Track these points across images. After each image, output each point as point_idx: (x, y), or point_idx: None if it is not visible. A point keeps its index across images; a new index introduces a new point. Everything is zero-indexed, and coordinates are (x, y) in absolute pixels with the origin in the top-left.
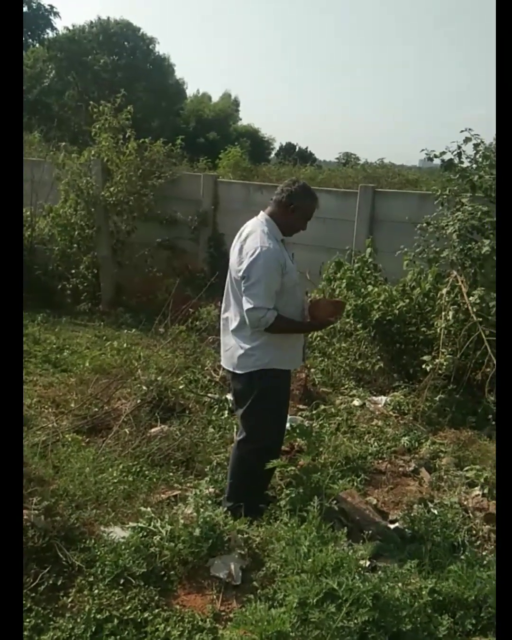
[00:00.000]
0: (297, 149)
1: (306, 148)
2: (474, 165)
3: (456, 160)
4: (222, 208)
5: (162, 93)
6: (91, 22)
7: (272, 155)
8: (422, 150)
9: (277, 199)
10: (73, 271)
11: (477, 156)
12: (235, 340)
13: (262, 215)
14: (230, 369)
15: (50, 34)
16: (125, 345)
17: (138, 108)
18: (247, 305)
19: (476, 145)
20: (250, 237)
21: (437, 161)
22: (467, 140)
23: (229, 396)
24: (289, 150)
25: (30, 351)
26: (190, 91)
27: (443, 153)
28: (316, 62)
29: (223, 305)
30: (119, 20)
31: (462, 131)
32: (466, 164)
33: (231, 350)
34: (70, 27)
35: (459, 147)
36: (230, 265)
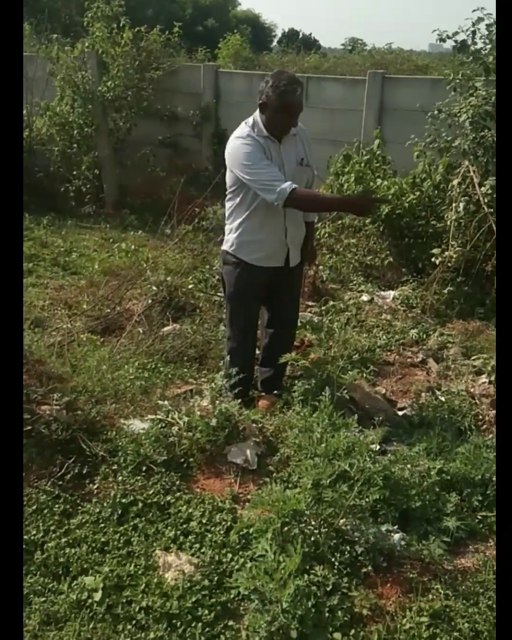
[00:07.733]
0: (300, 36)
1: (310, 34)
2: (488, 46)
3: (469, 42)
4: (224, 101)
5: None
6: None
7: (274, 43)
8: (434, 30)
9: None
10: (75, 172)
11: (491, 36)
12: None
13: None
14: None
15: None
16: (132, 246)
17: None
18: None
19: (488, 26)
20: None
21: (448, 46)
22: (480, 20)
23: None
24: (292, 37)
25: (38, 255)
26: None
27: (456, 33)
28: None
29: None
30: None
31: (474, 11)
32: (479, 45)
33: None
34: None
35: (473, 25)
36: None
